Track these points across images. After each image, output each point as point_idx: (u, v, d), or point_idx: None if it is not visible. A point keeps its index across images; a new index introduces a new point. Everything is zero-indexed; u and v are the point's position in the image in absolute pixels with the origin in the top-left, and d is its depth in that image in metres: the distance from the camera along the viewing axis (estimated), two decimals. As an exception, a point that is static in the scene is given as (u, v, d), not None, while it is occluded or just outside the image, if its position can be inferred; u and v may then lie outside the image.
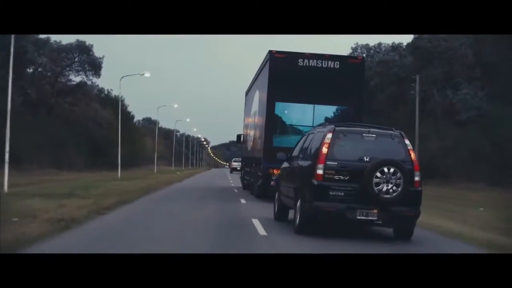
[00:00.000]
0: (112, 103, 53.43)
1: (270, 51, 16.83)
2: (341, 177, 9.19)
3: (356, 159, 9.31)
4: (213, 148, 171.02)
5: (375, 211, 9.14)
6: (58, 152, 43.60)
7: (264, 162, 16.60)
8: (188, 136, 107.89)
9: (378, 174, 9.04)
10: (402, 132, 9.88)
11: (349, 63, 17.16)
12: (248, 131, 22.93)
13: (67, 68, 52.11)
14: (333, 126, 9.78)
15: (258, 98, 19.44)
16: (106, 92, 60.00)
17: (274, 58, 16.61)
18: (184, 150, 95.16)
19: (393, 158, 9.22)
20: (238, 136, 26.88)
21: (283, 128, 16.70)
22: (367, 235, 10.26)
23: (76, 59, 51.92)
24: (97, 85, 59.28)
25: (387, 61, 48.18)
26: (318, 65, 16.41)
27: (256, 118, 19.83)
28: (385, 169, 9.05)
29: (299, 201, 9.85)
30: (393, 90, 47.25)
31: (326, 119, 16.57)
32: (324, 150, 9.28)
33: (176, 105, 58.16)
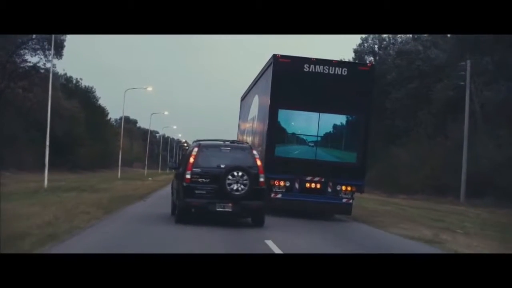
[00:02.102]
0: (80, 94, 54.56)
1: (274, 55, 18.95)
2: (204, 180, 15.07)
3: (215, 166, 15.15)
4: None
5: (230, 204, 14.96)
6: (4, 148, 43.31)
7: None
8: (168, 137, 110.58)
9: (230, 177, 14.88)
10: (251, 145, 17.29)
11: (358, 70, 19.65)
12: (245, 138, 25.24)
13: (23, 46, 52.22)
14: (199, 142, 16.02)
15: (258, 103, 21.81)
16: (74, 81, 61.00)
17: (278, 63, 18.76)
18: (162, 152, 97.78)
19: (241, 164, 15.08)
20: None
21: (285, 137, 18.93)
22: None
23: (34, 36, 51.41)
24: (65, 73, 59.17)
25: (408, 52, 49.00)
26: (324, 71, 18.70)
27: (255, 124, 22.11)
28: (235, 173, 14.90)
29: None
30: (414, 86, 47.98)
31: (333, 127, 18.87)
32: (191, 160, 15.21)
33: (166, 113, 59.66)
